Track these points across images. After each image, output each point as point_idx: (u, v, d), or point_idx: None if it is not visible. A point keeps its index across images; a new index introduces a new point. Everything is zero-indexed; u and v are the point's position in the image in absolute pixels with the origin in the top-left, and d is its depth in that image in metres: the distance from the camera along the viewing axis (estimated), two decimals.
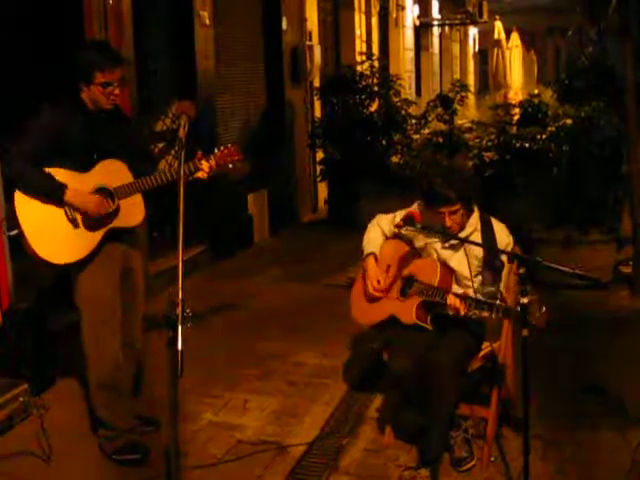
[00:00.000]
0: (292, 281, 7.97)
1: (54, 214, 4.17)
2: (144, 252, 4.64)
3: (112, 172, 4.25)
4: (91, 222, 4.21)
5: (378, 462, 4.37)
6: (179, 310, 2.94)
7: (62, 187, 4.11)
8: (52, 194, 4.12)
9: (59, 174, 4.15)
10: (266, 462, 4.37)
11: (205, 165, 4.32)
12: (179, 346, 2.87)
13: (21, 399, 4.83)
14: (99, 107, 4.22)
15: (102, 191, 4.22)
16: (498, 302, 3.82)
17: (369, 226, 4.58)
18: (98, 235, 4.24)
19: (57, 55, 6.23)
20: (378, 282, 4.37)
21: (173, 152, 8.00)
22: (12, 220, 4.19)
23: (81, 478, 4.23)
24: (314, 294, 7.48)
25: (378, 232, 4.51)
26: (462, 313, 3.94)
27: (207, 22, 8.63)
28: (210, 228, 8.43)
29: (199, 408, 5.01)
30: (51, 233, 4.18)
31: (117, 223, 4.27)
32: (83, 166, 4.21)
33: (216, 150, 4.42)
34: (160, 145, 7.82)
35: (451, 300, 3.96)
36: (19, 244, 4.22)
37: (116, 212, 4.25)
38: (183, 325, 2.93)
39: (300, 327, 6.53)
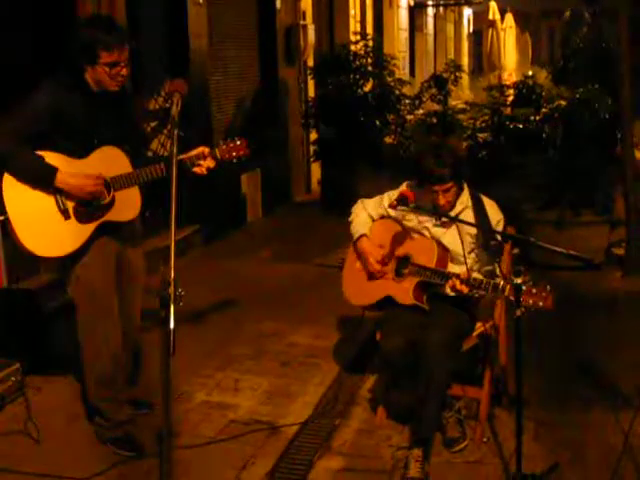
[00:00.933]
0: (285, 261, 7.97)
1: (44, 203, 3.93)
2: (141, 241, 4.45)
3: (110, 161, 4.00)
4: (83, 214, 3.98)
5: (370, 442, 4.37)
6: (171, 289, 2.93)
7: (53, 170, 3.86)
8: (42, 177, 3.88)
9: (51, 158, 3.91)
10: (259, 442, 4.37)
11: (205, 164, 4.13)
12: (171, 325, 2.86)
13: (13, 379, 4.81)
14: (103, 88, 3.98)
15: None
16: (502, 282, 3.80)
17: (354, 210, 4.56)
18: (90, 228, 4.01)
19: (50, 33, 6.22)
20: (379, 256, 4.35)
21: (165, 131, 7.99)
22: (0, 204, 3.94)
23: (72, 459, 4.21)
24: (307, 274, 7.48)
25: (365, 215, 4.50)
26: (465, 293, 3.93)
27: (200, 1, 8.57)
28: (203, 208, 8.41)
29: (191, 388, 5.01)
30: (40, 223, 3.93)
31: (110, 216, 4.04)
32: (81, 151, 3.97)
33: (222, 143, 4.21)
34: (152, 124, 7.82)
35: (453, 283, 3.94)
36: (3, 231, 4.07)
37: (110, 204, 4.01)
38: (175, 304, 2.91)
39: (293, 307, 6.53)
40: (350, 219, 4.55)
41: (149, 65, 8.02)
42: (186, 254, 7.94)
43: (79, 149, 3.98)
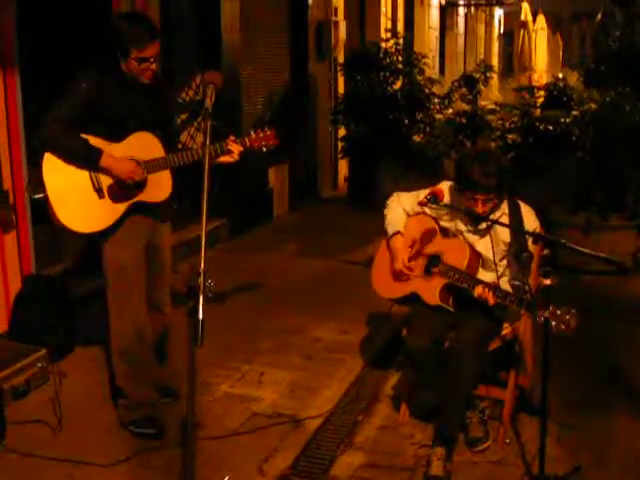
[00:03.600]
0: (311, 256, 7.97)
1: (80, 182, 4.13)
2: (170, 225, 4.56)
3: (144, 145, 4.20)
4: (117, 194, 4.18)
5: (393, 439, 4.38)
6: (201, 280, 2.94)
7: (98, 151, 4.08)
8: (88, 158, 4.08)
9: (91, 141, 4.10)
10: (281, 435, 4.39)
11: (236, 148, 4.28)
12: (200, 315, 2.88)
13: (39, 365, 4.87)
14: (136, 78, 4.17)
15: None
16: (527, 296, 3.77)
17: (390, 204, 4.54)
18: (122, 207, 4.21)
19: (86, 25, 6.26)
20: (404, 260, 4.34)
21: (196, 124, 7.99)
22: (38, 184, 4.16)
23: (96, 445, 4.25)
24: (332, 270, 7.48)
25: (400, 210, 4.48)
26: (490, 304, 3.92)
27: None
28: (230, 201, 8.43)
29: (216, 380, 5.03)
30: (75, 200, 4.14)
31: (143, 197, 4.23)
32: (116, 136, 4.16)
33: (252, 132, 4.37)
34: (183, 116, 7.85)
35: (480, 291, 3.93)
36: (43, 209, 4.21)
37: (143, 186, 4.21)
38: (205, 295, 2.93)
39: (318, 302, 6.53)
40: (385, 212, 4.53)
41: (181, 58, 8.05)
42: (212, 247, 7.97)
43: (115, 133, 4.16)
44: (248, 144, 4.34)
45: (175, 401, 4.60)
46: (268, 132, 4.38)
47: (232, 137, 4.31)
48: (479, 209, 4.05)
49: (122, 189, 4.17)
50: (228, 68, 8.48)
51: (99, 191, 4.16)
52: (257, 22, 9.48)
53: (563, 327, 3.52)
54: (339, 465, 4.13)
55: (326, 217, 9.98)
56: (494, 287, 3.95)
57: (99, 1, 6.37)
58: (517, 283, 4.04)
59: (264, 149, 4.38)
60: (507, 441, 4.29)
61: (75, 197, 4.14)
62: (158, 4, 7.06)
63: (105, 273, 4.34)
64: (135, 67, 4.10)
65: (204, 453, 4.08)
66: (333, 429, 4.50)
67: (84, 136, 4.08)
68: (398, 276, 4.38)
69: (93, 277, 4.43)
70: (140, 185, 4.20)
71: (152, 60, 4.11)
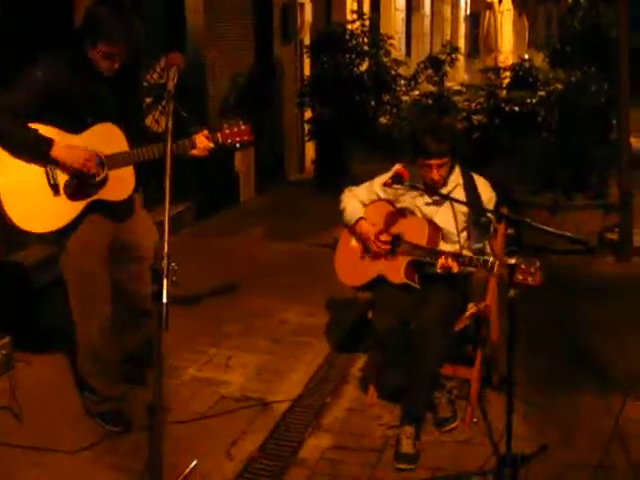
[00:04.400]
0: (277, 240, 7.96)
1: (34, 177, 3.89)
2: (143, 214, 4.37)
3: (106, 138, 3.95)
4: (74, 190, 3.93)
5: (361, 421, 4.39)
6: (164, 263, 2.91)
7: (48, 141, 3.84)
8: (37, 149, 3.85)
9: (46, 131, 3.87)
10: (249, 418, 4.38)
11: (204, 145, 4.09)
12: (164, 299, 2.85)
13: (3, 352, 4.81)
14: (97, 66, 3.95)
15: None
16: (491, 259, 3.81)
17: (344, 198, 4.53)
18: (79, 205, 3.96)
19: (44, 8, 6.16)
20: (383, 235, 4.34)
21: (160, 107, 7.93)
22: None
23: (61, 432, 4.20)
24: (299, 253, 7.48)
25: (356, 201, 4.48)
26: (455, 271, 3.93)
27: None
28: (196, 185, 8.38)
29: (183, 364, 5.01)
30: (28, 197, 3.89)
31: (103, 195, 3.98)
32: (75, 127, 3.93)
33: (225, 127, 4.16)
34: (148, 100, 7.76)
35: (443, 260, 3.95)
36: None
37: (103, 183, 3.96)
38: (168, 279, 2.90)
39: (284, 285, 6.52)
40: (341, 208, 4.52)
41: (146, 40, 7.95)
42: (178, 231, 7.92)
43: (74, 124, 3.94)
44: (220, 140, 4.14)
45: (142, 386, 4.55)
46: (243, 127, 4.17)
47: (205, 132, 4.13)
48: (435, 175, 4.10)
49: (80, 186, 3.93)
50: (192, 51, 8.42)
51: (54, 187, 3.92)
52: (221, 4, 9.39)
53: (530, 279, 3.53)
54: (307, 447, 4.14)
55: (293, 200, 9.96)
56: (456, 254, 3.97)
57: None
58: (479, 246, 4.07)
59: (238, 145, 4.19)
60: (475, 420, 4.32)
61: (28, 193, 3.89)
62: None
63: (64, 273, 4.16)
64: (98, 59, 3.90)
65: (172, 437, 4.02)
66: (301, 412, 4.50)
67: (37, 126, 3.86)
68: (369, 254, 4.36)
69: (56, 264, 4.33)
70: (100, 182, 3.96)
71: (116, 58, 3.91)
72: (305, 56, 11.29)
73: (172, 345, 4.85)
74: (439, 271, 4.00)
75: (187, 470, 3.77)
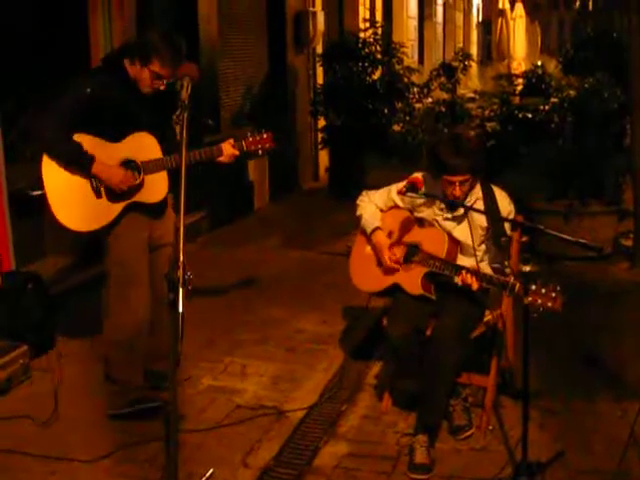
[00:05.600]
0: (292, 248, 7.97)
1: (79, 181, 4.23)
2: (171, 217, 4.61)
3: (142, 146, 4.28)
4: (114, 193, 4.27)
5: (376, 429, 4.39)
6: (180, 272, 2.93)
7: (90, 159, 4.17)
8: (80, 165, 4.18)
9: (89, 141, 4.20)
10: (265, 427, 4.39)
11: (230, 152, 4.41)
12: (180, 308, 2.87)
13: (21, 361, 4.84)
14: (138, 84, 4.26)
15: (129, 164, 4.26)
16: (511, 280, 3.79)
17: (360, 203, 4.52)
18: (119, 207, 4.31)
19: (57, 21, 6.21)
20: (394, 254, 4.34)
21: (174, 117, 7.97)
22: (37, 180, 4.27)
23: (79, 441, 4.23)
24: (314, 261, 7.49)
25: (373, 207, 4.47)
26: (474, 288, 3.93)
27: None
28: (210, 194, 8.41)
29: (198, 372, 5.02)
30: (73, 199, 4.26)
31: (139, 197, 4.32)
32: (115, 136, 4.25)
33: (249, 135, 4.47)
34: None
35: (464, 276, 3.94)
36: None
37: (140, 186, 4.29)
38: (184, 288, 2.92)
39: (300, 294, 6.53)
40: (358, 213, 4.51)
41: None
42: (193, 240, 7.95)
43: (115, 134, 4.26)
44: (245, 148, 4.45)
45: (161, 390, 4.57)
46: (265, 135, 4.49)
47: (231, 140, 4.43)
48: (457, 192, 4.05)
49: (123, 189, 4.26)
50: (206, 60, 8.45)
51: (97, 190, 4.27)
52: (235, 14, 9.45)
53: (549, 304, 3.54)
54: (323, 455, 4.14)
55: (307, 208, 9.97)
56: (476, 272, 3.97)
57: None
58: (497, 266, 4.08)
59: (260, 152, 4.49)
60: (490, 428, 4.31)
61: (73, 196, 4.25)
62: None
63: (107, 267, 4.45)
64: (147, 78, 4.20)
65: (188, 446, 4.07)
66: (316, 420, 4.51)
67: (81, 135, 4.17)
68: (383, 271, 4.37)
69: (74, 273, 4.42)
70: (138, 186, 4.28)
71: (164, 81, 4.22)
72: (318, 65, 11.31)
73: (188, 354, 4.88)
74: (459, 285, 3.99)
75: (203, 479, 3.78)
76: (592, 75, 10.24)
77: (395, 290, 4.32)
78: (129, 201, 4.31)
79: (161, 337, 4.49)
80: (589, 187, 9.31)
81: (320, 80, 11.51)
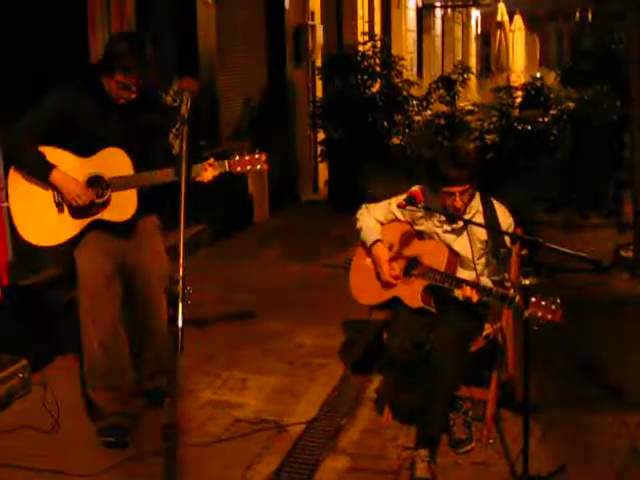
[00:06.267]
0: (292, 261, 7.96)
1: (42, 195, 4.16)
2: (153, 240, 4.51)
3: (113, 162, 4.17)
4: (77, 210, 4.16)
5: (376, 442, 4.37)
6: (179, 287, 2.94)
7: (50, 167, 4.09)
8: (40, 171, 4.11)
9: (58, 154, 4.13)
10: (265, 441, 4.37)
11: (210, 173, 4.25)
12: (180, 323, 2.87)
13: (20, 375, 4.83)
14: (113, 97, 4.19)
15: (97, 180, 4.16)
16: (511, 292, 3.79)
17: (359, 217, 4.53)
18: (82, 223, 4.20)
19: (58, 33, 6.22)
20: (393, 269, 4.34)
21: (174, 130, 7.97)
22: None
23: (78, 455, 4.22)
24: (314, 274, 7.48)
25: (372, 220, 4.48)
26: (474, 301, 3.93)
27: (209, 0, 8.57)
28: (210, 207, 8.41)
29: (198, 386, 5.01)
30: (35, 213, 4.19)
31: (104, 215, 4.21)
32: (87, 150, 4.17)
33: (237, 155, 4.32)
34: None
35: (465, 291, 3.94)
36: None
37: (105, 204, 4.18)
38: (183, 302, 2.92)
39: (299, 307, 6.53)
40: (358, 226, 4.52)
41: (158, 64, 8.02)
42: (193, 253, 7.94)
43: (83, 149, 4.17)
44: (228, 168, 4.30)
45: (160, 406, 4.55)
46: (257, 155, 4.34)
47: (211, 160, 4.28)
48: (457, 203, 4.08)
49: (83, 205, 4.15)
50: (205, 75, 8.47)
51: (59, 205, 4.18)
52: (234, 28, 9.47)
53: (549, 316, 3.54)
54: (323, 470, 4.12)
55: (307, 221, 9.97)
56: (476, 284, 3.97)
57: (74, 11, 6.35)
58: (497, 279, 4.09)
59: (251, 171, 4.36)
60: (491, 441, 4.30)
61: (35, 209, 4.18)
62: (134, 11, 7.03)
63: (77, 295, 4.33)
64: (114, 88, 4.12)
65: (187, 460, 4.04)
66: (317, 434, 4.49)
67: (50, 148, 4.12)
68: (383, 284, 4.37)
69: (72, 287, 4.39)
70: (103, 203, 4.17)
71: (133, 89, 4.12)
72: (317, 78, 11.34)
73: (187, 368, 4.89)
74: (459, 298, 3.99)
75: None
76: (591, 87, 10.27)
77: (395, 303, 4.32)
78: (92, 218, 4.19)
79: (159, 353, 4.46)
80: (588, 199, 9.34)
81: (319, 93, 11.54)
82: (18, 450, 4.25)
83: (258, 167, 4.33)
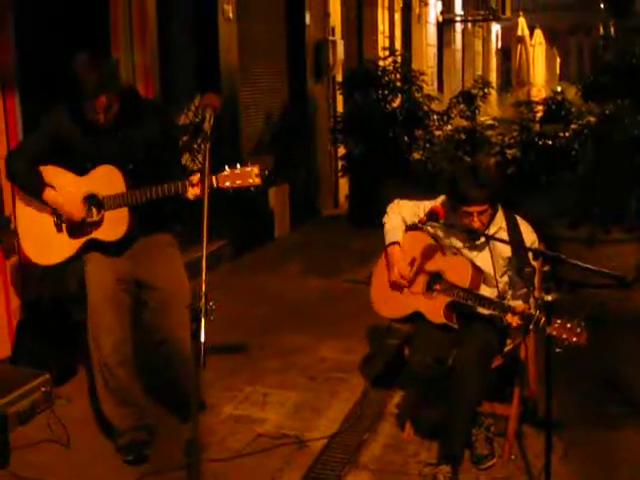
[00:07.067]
0: (313, 276, 7.97)
1: (43, 215, 4.25)
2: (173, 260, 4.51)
3: (106, 180, 4.14)
4: (73, 229, 4.22)
5: (398, 458, 4.36)
6: (202, 303, 2.95)
7: (42, 186, 4.15)
8: (34, 190, 4.18)
9: (59, 172, 4.20)
10: (286, 456, 4.37)
11: (192, 191, 4.03)
12: (202, 338, 2.88)
13: (43, 389, 4.86)
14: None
15: (92, 198, 4.17)
16: (537, 314, 3.76)
17: (389, 212, 4.52)
18: (77, 243, 4.24)
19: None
20: (403, 269, 4.33)
21: (196, 145, 8.06)
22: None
23: (100, 470, 4.24)
24: (335, 289, 7.48)
25: (399, 219, 4.46)
26: (514, 326, 3.90)
27: (231, 16, 8.64)
28: (231, 222, 8.44)
29: (219, 401, 5.01)
30: (38, 232, 4.28)
31: (97, 235, 4.22)
32: (77, 170, 4.20)
33: (226, 169, 3.98)
34: (184, 138, 7.87)
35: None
36: None
37: (99, 223, 4.19)
38: (206, 318, 2.94)
39: (321, 322, 6.53)
40: (384, 220, 4.51)
41: (180, 80, 8.09)
42: (214, 268, 7.97)
43: (75, 168, 4.21)
44: (215, 185, 3.95)
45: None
46: (248, 168, 3.96)
47: (196, 177, 4.04)
48: (475, 223, 4.05)
49: (78, 225, 4.20)
50: (226, 90, 8.52)
51: (58, 225, 4.25)
52: (255, 43, 9.53)
53: (574, 339, 3.53)
54: None
55: (327, 236, 9.98)
56: (502, 304, 3.95)
57: (98, 31, 6.42)
58: (520, 296, 4.05)
59: (242, 186, 3.97)
60: (513, 457, 4.28)
61: (37, 229, 4.28)
62: (155, 27, 7.10)
63: None
64: (87, 111, 4.02)
65: (209, 475, 4.06)
66: (338, 449, 4.48)
67: (51, 168, 4.19)
68: (397, 290, 4.36)
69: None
70: (96, 222, 4.19)
71: (99, 113, 4.00)
72: (338, 93, 11.37)
73: (209, 383, 4.90)
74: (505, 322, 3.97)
75: None
76: (612, 101, 10.25)
77: (417, 317, 4.31)
78: (87, 237, 4.22)
79: (181, 369, 4.46)
80: (611, 214, 9.29)
81: (340, 108, 11.58)
82: (40, 464, 4.27)
83: (250, 181, 3.94)
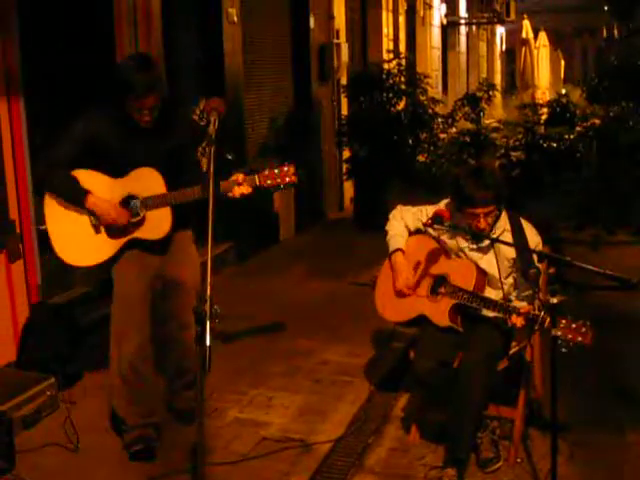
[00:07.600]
0: (318, 279, 7.96)
1: (79, 217, 4.22)
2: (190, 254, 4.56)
3: (145, 181, 4.21)
4: (113, 229, 4.23)
5: (404, 461, 4.35)
6: (207, 306, 2.95)
7: (84, 193, 4.15)
8: (74, 200, 4.18)
9: (91, 177, 4.20)
10: (291, 459, 4.37)
11: (238, 191, 4.19)
12: (207, 342, 2.88)
13: (49, 393, 4.86)
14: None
15: (131, 200, 4.21)
16: (542, 314, 3.76)
17: (391, 218, 4.54)
18: (118, 243, 4.26)
19: (87, 54, 6.30)
20: (408, 279, 4.34)
21: (200, 149, 8.04)
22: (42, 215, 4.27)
23: (106, 473, 4.24)
24: (340, 292, 7.47)
25: (402, 226, 4.48)
26: (518, 327, 3.90)
27: (235, 19, 8.65)
28: (236, 225, 8.44)
29: (224, 405, 5.02)
30: (73, 235, 4.25)
31: (139, 234, 4.26)
32: (118, 171, 4.22)
33: (266, 170, 4.24)
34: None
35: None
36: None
37: (141, 223, 4.23)
38: (211, 321, 2.94)
39: (326, 325, 6.52)
40: (387, 227, 4.53)
41: (185, 83, 8.09)
42: (219, 271, 7.97)
43: (116, 169, 4.22)
44: (258, 183, 4.22)
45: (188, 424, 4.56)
46: (286, 168, 4.24)
47: (241, 175, 4.22)
48: (481, 224, 4.06)
49: (118, 225, 4.21)
50: (231, 93, 8.52)
51: (96, 226, 4.24)
52: (259, 47, 9.54)
53: (580, 339, 3.53)
54: None
55: (332, 239, 9.98)
56: (506, 306, 3.94)
57: (103, 34, 6.42)
58: (526, 299, 4.04)
59: (281, 186, 4.26)
60: (518, 460, 4.27)
61: (72, 231, 4.24)
62: (160, 30, 7.11)
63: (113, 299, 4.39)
64: (131, 111, 4.13)
65: (214, 479, 4.06)
66: (344, 452, 4.48)
67: (84, 172, 4.18)
68: (402, 295, 4.37)
69: (100, 305, 4.44)
70: (138, 222, 4.22)
71: (146, 112, 4.11)
72: (342, 96, 11.38)
73: (214, 386, 4.90)
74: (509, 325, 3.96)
75: None
76: (617, 103, 10.24)
77: (421, 321, 4.31)
78: (128, 237, 4.25)
79: (186, 366, 4.52)
80: (615, 216, 9.28)
81: (344, 111, 11.57)
82: (46, 468, 4.27)
83: (287, 180, 4.23)
